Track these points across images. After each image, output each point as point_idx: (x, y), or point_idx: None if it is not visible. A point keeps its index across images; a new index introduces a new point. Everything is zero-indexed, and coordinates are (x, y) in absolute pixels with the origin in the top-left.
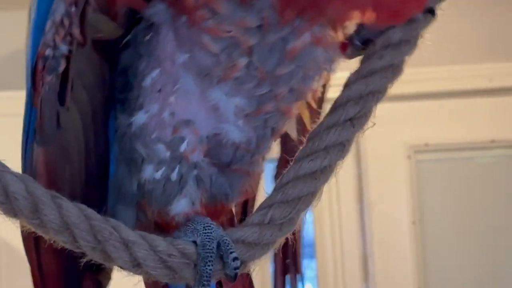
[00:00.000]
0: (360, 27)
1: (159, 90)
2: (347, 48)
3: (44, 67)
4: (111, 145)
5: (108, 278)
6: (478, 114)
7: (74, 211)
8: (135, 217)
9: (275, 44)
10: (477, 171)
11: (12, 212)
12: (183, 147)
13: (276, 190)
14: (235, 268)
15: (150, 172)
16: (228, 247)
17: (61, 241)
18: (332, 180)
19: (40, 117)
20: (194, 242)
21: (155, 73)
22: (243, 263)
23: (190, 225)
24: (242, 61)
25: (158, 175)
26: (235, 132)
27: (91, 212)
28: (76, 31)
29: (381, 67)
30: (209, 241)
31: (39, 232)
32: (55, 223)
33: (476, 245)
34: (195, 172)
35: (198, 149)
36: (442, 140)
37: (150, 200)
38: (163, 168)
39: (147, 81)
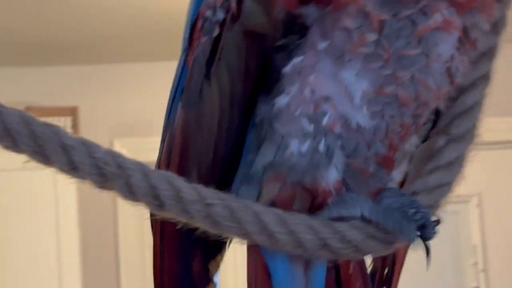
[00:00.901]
0: None
1: (299, 73)
2: None
3: (202, 27)
4: (247, 135)
5: (217, 266)
6: None
7: (15, 118)
8: (256, 198)
9: (405, 22)
10: None
11: None
12: (325, 120)
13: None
14: (433, 232)
15: (296, 146)
16: (416, 205)
17: (3, 146)
18: None
19: (189, 78)
20: (353, 217)
21: (297, 60)
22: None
23: (352, 200)
24: (372, 36)
25: (305, 148)
26: (360, 116)
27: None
28: (233, 1)
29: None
30: (392, 214)
31: None
32: None
33: None
34: (339, 142)
35: (339, 123)
36: None
37: (295, 173)
38: (309, 141)
39: (288, 69)
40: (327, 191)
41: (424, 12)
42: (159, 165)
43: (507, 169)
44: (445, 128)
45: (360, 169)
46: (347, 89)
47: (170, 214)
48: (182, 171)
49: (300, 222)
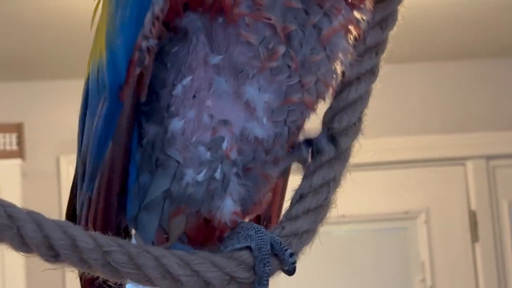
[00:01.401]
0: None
1: (194, 96)
2: None
3: (138, 58)
4: (132, 156)
5: None
6: None
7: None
8: (158, 224)
9: (311, 30)
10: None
11: None
12: (223, 146)
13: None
14: (293, 263)
15: (191, 176)
16: (281, 246)
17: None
18: None
19: (122, 114)
20: (248, 247)
21: (186, 81)
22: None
23: (241, 231)
24: (281, 49)
25: (201, 176)
26: (259, 128)
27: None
28: (160, 26)
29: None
30: (264, 244)
31: None
32: None
33: None
34: (234, 169)
35: (235, 147)
36: None
37: (193, 204)
38: (205, 170)
39: (178, 90)
40: (222, 223)
41: (328, 16)
42: (89, 203)
43: (453, 185)
44: (328, 122)
45: (260, 173)
46: (249, 105)
47: (67, 265)
48: (109, 203)
49: (202, 261)
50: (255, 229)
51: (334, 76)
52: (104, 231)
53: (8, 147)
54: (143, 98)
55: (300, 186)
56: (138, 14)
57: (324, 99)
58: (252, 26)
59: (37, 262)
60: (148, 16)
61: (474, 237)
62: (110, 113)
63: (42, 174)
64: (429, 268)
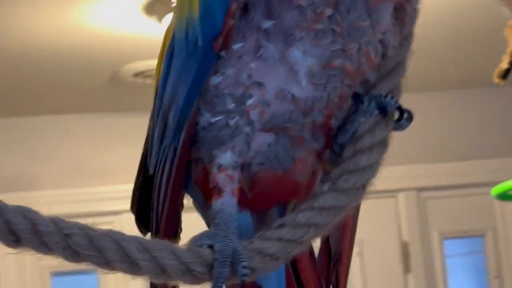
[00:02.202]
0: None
1: (240, 57)
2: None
3: (234, 9)
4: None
5: None
6: None
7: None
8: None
9: None
10: None
11: None
12: (248, 102)
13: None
14: (244, 275)
15: (206, 118)
16: (240, 257)
17: None
18: None
19: (213, 63)
20: (211, 246)
21: (237, 46)
22: (254, 271)
23: (212, 229)
24: (328, 12)
25: (215, 119)
26: (297, 88)
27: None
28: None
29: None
30: (226, 249)
31: None
32: None
33: None
34: (248, 129)
35: (259, 108)
36: None
37: (200, 147)
38: (222, 116)
39: (226, 52)
40: (214, 181)
41: None
42: (174, 154)
43: (385, 217)
44: (334, 178)
45: (295, 135)
46: (292, 68)
47: (29, 249)
48: (180, 183)
49: (162, 248)
50: (226, 231)
51: (376, 49)
52: (182, 178)
53: None
54: (229, 48)
55: (286, 216)
56: None
57: (364, 71)
58: None
59: None
60: None
61: (406, 268)
62: (204, 64)
63: None
64: None
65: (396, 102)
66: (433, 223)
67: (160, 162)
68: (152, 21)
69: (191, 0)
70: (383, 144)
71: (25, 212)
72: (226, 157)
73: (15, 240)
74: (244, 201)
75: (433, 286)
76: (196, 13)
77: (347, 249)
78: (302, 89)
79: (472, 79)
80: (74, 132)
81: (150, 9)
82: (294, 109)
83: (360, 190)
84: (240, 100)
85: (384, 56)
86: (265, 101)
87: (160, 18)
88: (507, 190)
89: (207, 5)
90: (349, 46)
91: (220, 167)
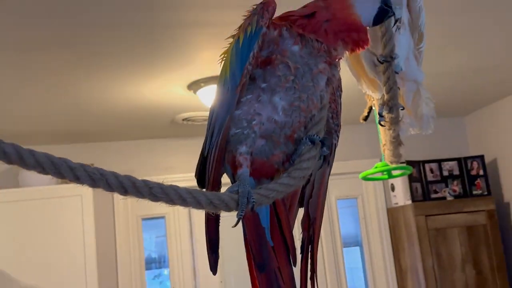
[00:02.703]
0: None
1: (249, 102)
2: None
3: (245, 74)
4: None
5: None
6: None
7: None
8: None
9: (307, 68)
10: None
11: None
12: (253, 122)
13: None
14: (253, 203)
15: (233, 130)
16: (251, 195)
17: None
18: None
19: (235, 100)
20: (236, 190)
21: (248, 96)
22: (256, 203)
23: (238, 182)
24: (291, 78)
25: (236, 131)
26: (277, 116)
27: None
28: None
29: None
30: (244, 191)
31: None
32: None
33: None
34: (253, 135)
35: (258, 126)
36: None
37: (231, 144)
38: (240, 129)
39: (243, 99)
40: (237, 160)
41: (316, 63)
42: (215, 146)
43: None
44: (289, 171)
45: (276, 140)
46: (274, 106)
47: (131, 196)
48: (219, 162)
49: (199, 192)
50: (244, 184)
51: (317, 98)
52: (221, 160)
53: None
54: (243, 97)
55: (268, 184)
56: (247, 54)
57: (311, 109)
58: (280, 67)
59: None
60: (251, 56)
61: None
62: (231, 100)
63: None
64: None
65: (319, 137)
66: (332, 191)
67: (210, 150)
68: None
69: (225, 68)
70: (314, 157)
71: (128, 177)
72: (243, 149)
73: (124, 191)
74: (250, 173)
75: (332, 223)
76: (228, 75)
77: (320, 214)
78: (280, 117)
79: (346, 119)
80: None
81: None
82: (276, 127)
83: (301, 179)
84: (249, 121)
85: (322, 102)
86: (262, 122)
87: (195, 91)
88: (367, 175)
89: (233, 72)
90: (302, 96)
91: (240, 154)
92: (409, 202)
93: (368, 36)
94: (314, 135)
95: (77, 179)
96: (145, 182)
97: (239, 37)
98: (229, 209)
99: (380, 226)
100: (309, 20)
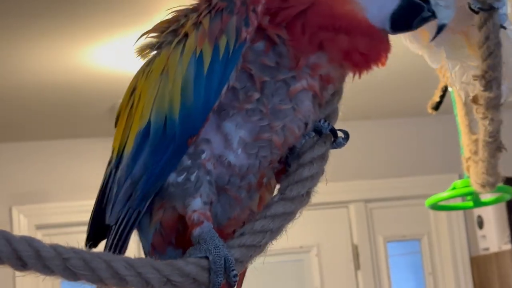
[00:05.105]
0: None
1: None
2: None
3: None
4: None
5: None
6: None
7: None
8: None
9: (281, 84)
10: None
11: None
12: (203, 156)
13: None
14: (235, 281)
15: (173, 177)
16: (230, 265)
17: None
18: None
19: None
20: (206, 257)
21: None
22: (242, 262)
23: (203, 245)
24: (255, 95)
25: (180, 178)
26: (233, 157)
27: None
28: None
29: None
30: (219, 259)
31: None
32: None
33: None
34: (208, 177)
35: (211, 161)
36: None
37: (172, 200)
38: (185, 174)
39: None
40: (191, 220)
41: (294, 77)
42: (137, 215)
43: (339, 224)
44: (282, 189)
45: (233, 196)
46: (226, 136)
47: (34, 272)
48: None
49: (145, 264)
50: (214, 245)
51: (299, 126)
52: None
53: None
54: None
55: (244, 226)
56: (218, 87)
57: (290, 142)
58: (238, 75)
59: None
60: (224, 89)
61: (357, 266)
62: (176, 153)
63: None
64: None
65: (329, 124)
66: (378, 229)
67: (123, 220)
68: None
69: (171, 98)
70: (322, 158)
71: (29, 241)
72: (196, 203)
73: (22, 265)
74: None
75: (379, 281)
76: (176, 114)
77: None
78: (238, 157)
79: (410, 110)
80: (78, 154)
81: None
82: (232, 174)
83: (304, 197)
84: (196, 156)
85: (305, 129)
86: (214, 155)
87: None
88: (438, 201)
89: (188, 112)
90: (275, 124)
91: (194, 210)
92: (508, 246)
93: (384, 45)
94: (321, 121)
95: None
96: (56, 248)
97: (201, 51)
98: (195, 287)
99: (459, 285)
100: (283, 2)
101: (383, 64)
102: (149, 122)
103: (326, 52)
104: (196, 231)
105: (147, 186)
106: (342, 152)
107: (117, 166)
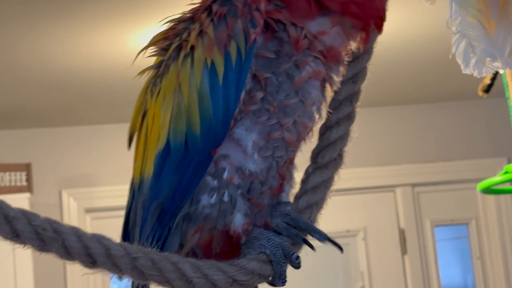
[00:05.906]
0: None
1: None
2: None
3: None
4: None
5: None
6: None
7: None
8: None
9: (284, 77)
10: None
11: None
12: (225, 175)
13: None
14: (299, 262)
15: (206, 200)
16: (289, 250)
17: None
18: None
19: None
20: (264, 252)
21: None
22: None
23: (256, 242)
24: (259, 94)
25: (213, 200)
26: (251, 163)
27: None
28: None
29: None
30: (276, 249)
31: None
32: None
33: None
34: (239, 191)
35: (235, 175)
36: None
37: (211, 222)
38: (215, 194)
39: None
40: (237, 233)
41: (297, 66)
42: (168, 232)
43: (386, 208)
44: (314, 157)
45: (255, 203)
46: (239, 142)
47: (102, 270)
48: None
49: (210, 266)
50: (266, 238)
51: (311, 118)
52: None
53: (18, 183)
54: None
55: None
56: (236, 94)
57: (304, 138)
58: None
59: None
60: (242, 95)
61: (403, 250)
62: (200, 166)
63: (47, 206)
64: (367, 276)
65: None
66: (425, 213)
67: (153, 241)
68: None
69: (189, 114)
70: (349, 117)
71: (99, 239)
72: (237, 219)
73: (91, 262)
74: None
75: (426, 266)
76: (197, 130)
77: None
78: (255, 163)
79: (460, 93)
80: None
81: None
82: (254, 180)
83: (337, 160)
84: (218, 175)
85: (319, 120)
86: (236, 168)
87: None
88: (491, 185)
89: (209, 125)
90: (285, 121)
91: (238, 225)
92: None
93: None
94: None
95: (15, 236)
96: (125, 247)
97: (212, 61)
98: (261, 281)
99: (508, 271)
100: None
101: (382, 19)
102: (168, 142)
103: (326, 9)
104: (244, 239)
105: (174, 204)
106: (389, 136)
107: (139, 191)
